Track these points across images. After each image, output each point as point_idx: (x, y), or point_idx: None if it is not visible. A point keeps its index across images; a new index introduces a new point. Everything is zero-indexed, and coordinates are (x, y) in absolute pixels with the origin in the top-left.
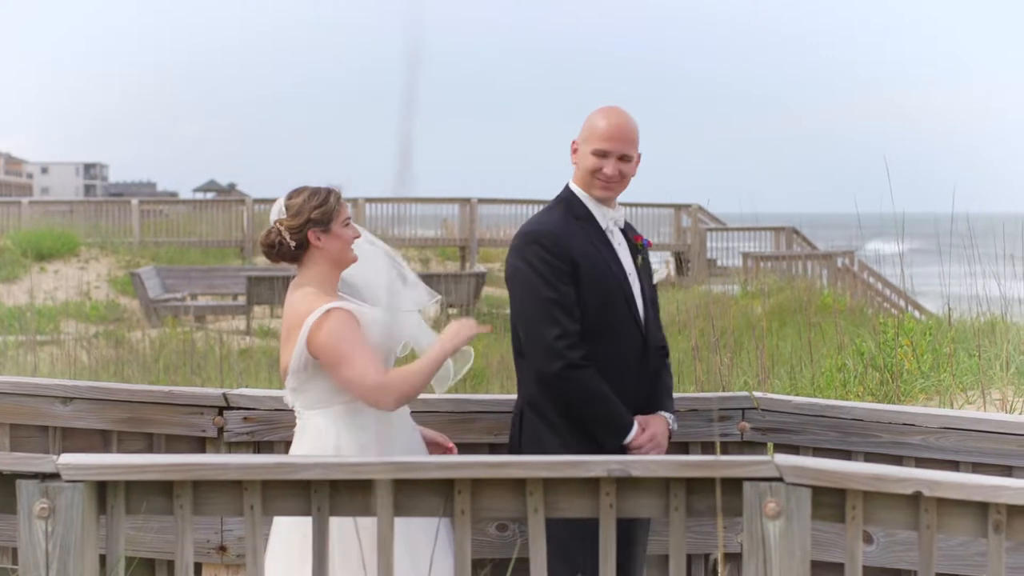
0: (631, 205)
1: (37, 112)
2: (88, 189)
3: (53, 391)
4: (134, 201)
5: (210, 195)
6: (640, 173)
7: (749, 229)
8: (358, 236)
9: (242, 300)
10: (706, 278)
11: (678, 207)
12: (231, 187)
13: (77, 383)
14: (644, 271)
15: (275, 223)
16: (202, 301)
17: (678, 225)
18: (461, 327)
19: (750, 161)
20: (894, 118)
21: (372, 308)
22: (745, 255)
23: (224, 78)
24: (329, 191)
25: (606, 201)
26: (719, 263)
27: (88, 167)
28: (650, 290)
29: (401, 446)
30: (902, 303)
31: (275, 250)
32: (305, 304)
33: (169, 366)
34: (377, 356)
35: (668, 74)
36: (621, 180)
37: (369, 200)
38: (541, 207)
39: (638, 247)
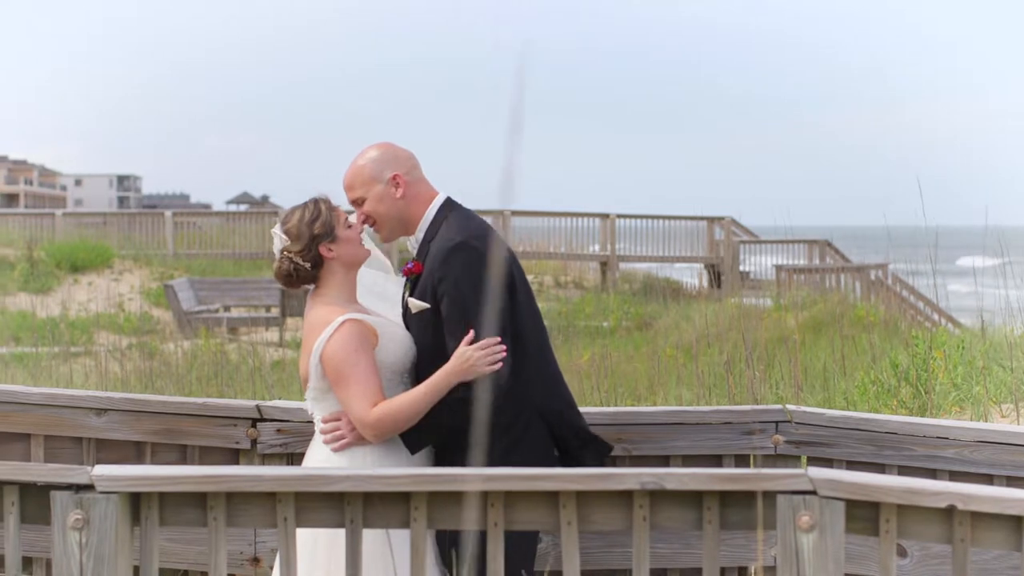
0: (665, 218)
1: (71, 124)
2: (122, 201)
3: (87, 402)
4: (167, 213)
5: (243, 207)
6: (672, 184)
7: (782, 242)
8: (362, 230)
9: (275, 312)
10: (739, 291)
11: (711, 220)
12: (264, 199)
13: (111, 395)
14: (414, 298)
15: (282, 252)
16: (235, 313)
17: (711, 238)
18: (474, 359)
19: (782, 174)
20: (925, 132)
21: (391, 321)
22: (778, 268)
23: (257, 90)
24: (317, 201)
25: (390, 238)
26: (752, 276)
27: (122, 179)
28: (412, 318)
29: (408, 459)
30: (936, 316)
31: (293, 278)
32: (322, 315)
33: (202, 378)
34: (386, 373)
35: (700, 85)
36: (376, 221)
37: None
38: (577, 219)
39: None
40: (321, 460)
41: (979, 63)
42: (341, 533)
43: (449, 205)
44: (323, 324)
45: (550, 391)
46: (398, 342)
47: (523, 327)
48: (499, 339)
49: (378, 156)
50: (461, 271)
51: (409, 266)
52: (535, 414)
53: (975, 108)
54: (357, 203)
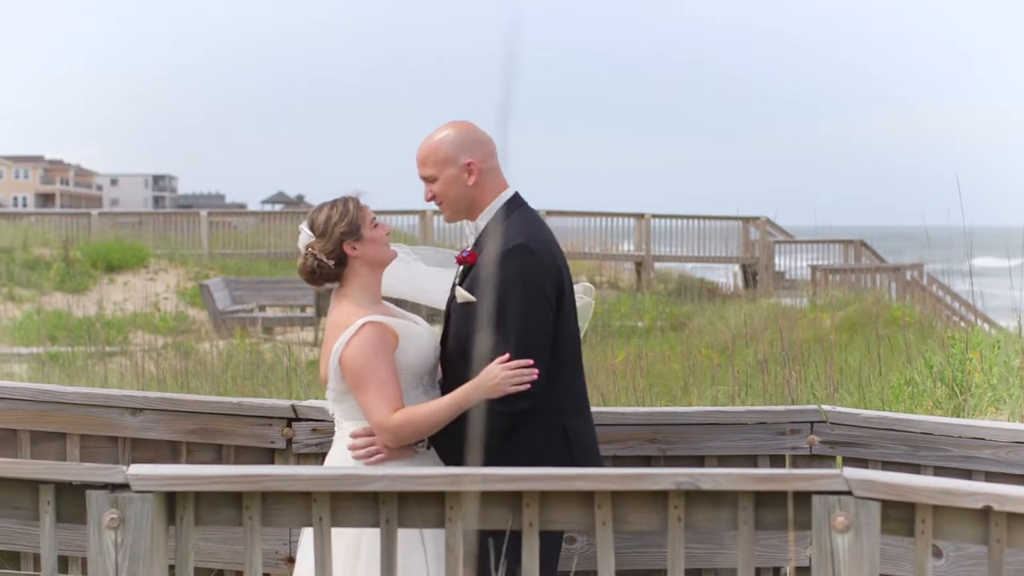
0: (700, 218)
1: (107, 124)
2: (157, 201)
3: (123, 402)
4: (203, 213)
5: (278, 207)
6: (707, 184)
7: (817, 242)
8: (389, 232)
9: (310, 312)
10: (774, 291)
11: (746, 220)
12: (299, 199)
13: (147, 394)
14: (463, 288)
15: (307, 248)
16: (270, 313)
17: (746, 238)
18: (500, 379)
19: (789, 175)
20: (927, 132)
21: (415, 322)
22: (813, 268)
23: (291, 88)
24: (346, 199)
25: (453, 219)
26: (787, 276)
27: (157, 179)
28: (456, 307)
29: (428, 460)
30: (972, 316)
31: (316, 275)
32: (344, 316)
33: (237, 377)
34: (406, 375)
35: (705, 85)
36: (442, 202)
37: (436, 212)
38: (612, 219)
39: (464, 265)
40: (348, 461)
41: (986, 64)
42: (362, 532)
43: (516, 201)
44: (343, 326)
45: (578, 404)
46: (420, 344)
47: (562, 337)
48: (531, 361)
49: (457, 138)
50: (514, 272)
51: (464, 254)
52: (561, 425)
53: (981, 108)
54: (427, 180)
